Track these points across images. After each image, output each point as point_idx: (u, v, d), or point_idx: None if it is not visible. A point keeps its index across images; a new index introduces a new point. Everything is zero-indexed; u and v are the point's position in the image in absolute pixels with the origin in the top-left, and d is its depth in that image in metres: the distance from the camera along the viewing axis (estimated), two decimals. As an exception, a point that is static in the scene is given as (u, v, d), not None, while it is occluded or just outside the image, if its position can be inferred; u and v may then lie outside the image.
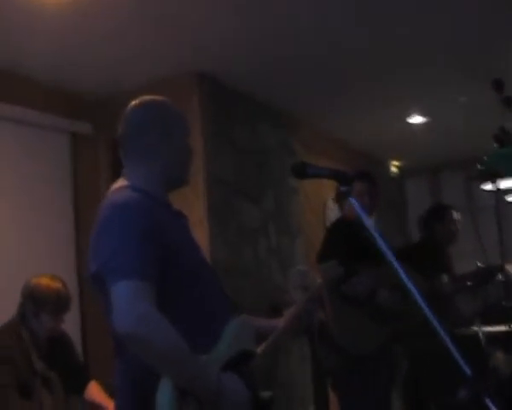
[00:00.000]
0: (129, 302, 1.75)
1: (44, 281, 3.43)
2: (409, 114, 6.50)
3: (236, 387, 1.86)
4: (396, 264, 1.74)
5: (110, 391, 3.70)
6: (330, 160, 6.89)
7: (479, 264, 4.21)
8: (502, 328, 4.09)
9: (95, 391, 3.62)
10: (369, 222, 1.87)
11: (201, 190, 4.67)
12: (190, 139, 2.20)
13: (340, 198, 3.83)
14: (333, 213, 6.74)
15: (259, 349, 2.07)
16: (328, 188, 6.77)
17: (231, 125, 5.19)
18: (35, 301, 3.38)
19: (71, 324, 3.81)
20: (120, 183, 2.09)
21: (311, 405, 5.23)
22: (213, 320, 1.96)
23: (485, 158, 4.24)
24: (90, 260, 1.97)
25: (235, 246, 5.00)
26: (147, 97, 2.17)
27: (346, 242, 3.50)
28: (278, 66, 4.90)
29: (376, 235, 1.79)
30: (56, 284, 3.45)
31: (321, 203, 6.66)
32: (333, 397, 4.08)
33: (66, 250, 4.76)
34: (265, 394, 1.93)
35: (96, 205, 4.84)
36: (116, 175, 4.56)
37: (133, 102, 2.16)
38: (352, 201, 1.91)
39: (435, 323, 1.71)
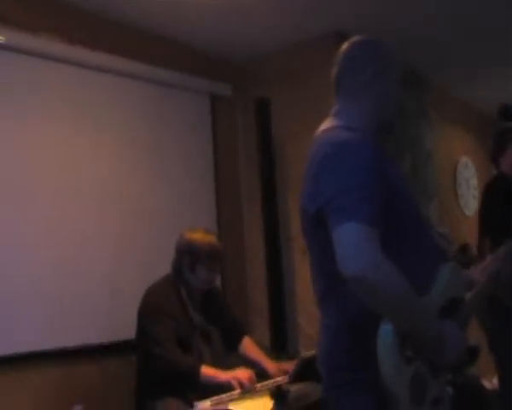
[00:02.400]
0: (359, 246, 1.70)
1: (198, 234, 3.51)
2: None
3: (456, 333, 1.84)
4: None
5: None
6: (462, 126, 6.77)
7: None
8: None
9: (250, 347, 3.65)
10: None
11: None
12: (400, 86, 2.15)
13: (498, 153, 3.74)
14: (462, 176, 6.65)
15: (468, 298, 2.04)
16: (459, 150, 6.66)
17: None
18: (191, 255, 3.45)
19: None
20: (331, 122, 2.06)
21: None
22: (428, 266, 1.92)
23: None
24: (307, 200, 1.94)
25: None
26: (362, 37, 2.15)
27: (505, 199, 3.44)
28: (416, 28, 4.85)
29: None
30: (210, 237, 3.52)
31: (452, 165, 6.55)
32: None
33: (208, 205, 4.88)
34: (473, 343, 1.91)
35: (234, 165, 5.02)
36: (260, 135, 4.70)
37: (348, 41, 2.14)
38: None
39: None
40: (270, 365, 3.50)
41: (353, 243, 1.71)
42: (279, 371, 3.43)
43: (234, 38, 4.80)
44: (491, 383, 4.83)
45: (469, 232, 5.41)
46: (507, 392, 3.56)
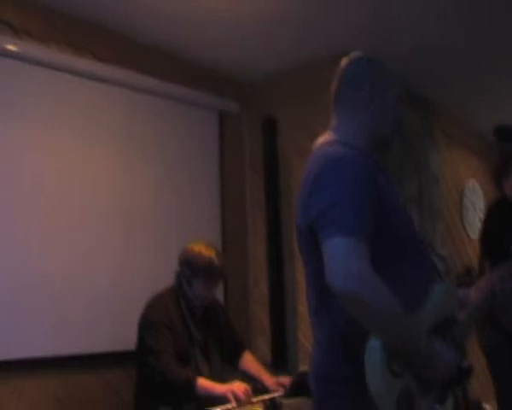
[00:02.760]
0: (345, 260, 1.71)
1: (198, 248, 3.51)
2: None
3: (445, 351, 1.84)
4: None
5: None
6: (469, 149, 6.77)
7: None
8: None
9: (250, 361, 3.68)
10: None
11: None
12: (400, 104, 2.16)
13: (500, 176, 3.73)
14: (468, 199, 6.64)
15: (461, 318, 2.04)
16: (466, 173, 6.66)
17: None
18: (188, 268, 3.47)
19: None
20: (327, 137, 2.08)
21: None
22: (420, 284, 1.92)
23: None
24: (301, 214, 1.96)
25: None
26: (361, 54, 2.17)
27: (506, 222, 3.46)
28: (421, 51, 4.85)
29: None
30: (209, 252, 3.50)
31: (459, 188, 6.54)
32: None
33: (213, 219, 4.90)
34: (465, 363, 1.88)
35: (240, 180, 5.04)
36: (266, 153, 4.74)
37: (348, 58, 2.16)
38: None
39: None
40: (268, 379, 3.53)
41: (341, 256, 1.73)
42: (277, 385, 3.46)
43: (242, 58, 4.85)
44: (492, 406, 4.81)
45: (474, 255, 5.39)
46: None
